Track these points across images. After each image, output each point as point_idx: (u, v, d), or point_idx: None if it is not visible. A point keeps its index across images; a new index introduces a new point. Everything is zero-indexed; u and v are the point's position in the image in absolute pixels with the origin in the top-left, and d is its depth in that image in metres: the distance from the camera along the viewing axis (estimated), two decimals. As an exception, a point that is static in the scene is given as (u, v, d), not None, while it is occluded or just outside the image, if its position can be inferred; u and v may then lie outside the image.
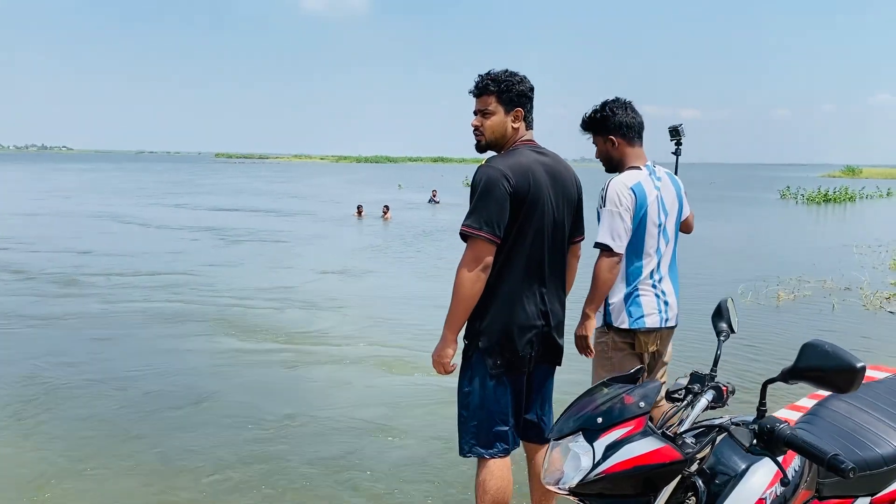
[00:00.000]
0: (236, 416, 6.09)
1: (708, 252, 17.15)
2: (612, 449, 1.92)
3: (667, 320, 3.88)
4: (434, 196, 34.76)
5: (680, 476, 1.99)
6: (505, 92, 3.21)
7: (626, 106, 3.80)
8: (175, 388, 6.80)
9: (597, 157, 3.98)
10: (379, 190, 46.90)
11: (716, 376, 2.24)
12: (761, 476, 2.00)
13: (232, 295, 11.43)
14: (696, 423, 2.06)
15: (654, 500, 1.97)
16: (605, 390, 2.09)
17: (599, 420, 1.96)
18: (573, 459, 1.96)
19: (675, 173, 4.42)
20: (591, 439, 1.95)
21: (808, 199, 39.88)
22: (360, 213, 25.73)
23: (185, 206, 31.66)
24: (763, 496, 1.99)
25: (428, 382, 6.85)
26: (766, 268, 14.40)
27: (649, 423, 1.99)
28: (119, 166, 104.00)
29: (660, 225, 3.80)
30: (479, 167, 3.21)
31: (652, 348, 3.86)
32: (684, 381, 2.25)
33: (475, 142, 3.40)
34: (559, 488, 1.99)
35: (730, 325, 2.53)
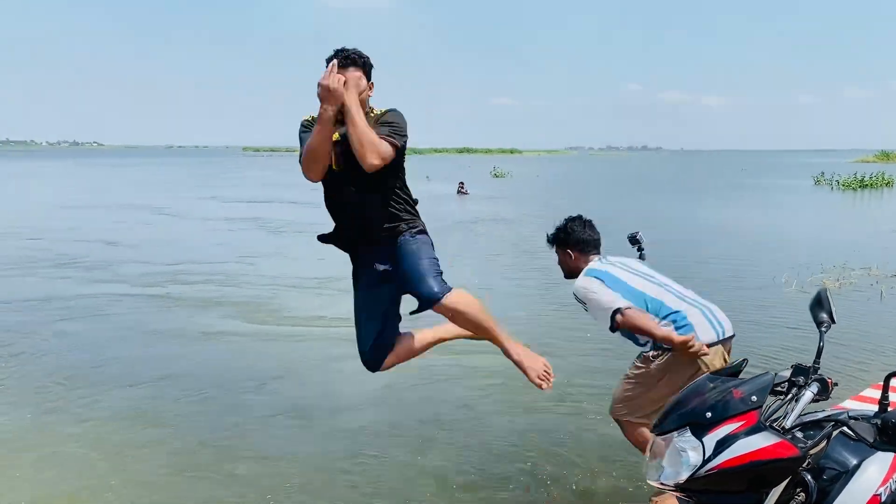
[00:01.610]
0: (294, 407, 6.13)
1: (747, 241, 16.90)
2: (723, 444, 1.88)
3: (723, 332, 3.83)
4: (462, 187, 34.67)
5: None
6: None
7: (585, 224, 4.34)
8: (236, 379, 6.87)
9: (558, 265, 4.47)
10: (409, 182, 46.82)
11: (819, 368, 2.17)
12: (875, 471, 1.93)
13: (279, 283, 11.55)
14: (803, 418, 2.00)
15: (766, 498, 1.92)
16: (711, 384, 2.03)
17: (708, 415, 1.92)
18: (679, 455, 1.92)
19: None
20: (699, 434, 1.91)
21: (843, 185, 39.02)
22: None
23: (219, 198, 31.98)
24: (878, 492, 1.92)
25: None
26: (808, 255, 14.13)
27: (762, 418, 1.94)
28: (150, 160, 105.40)
29: (640, 272, 4.08)
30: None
31: (718, 363, 3.75)
32: (787, 374, 2.19)
33: None
34: (663, 484, 1.96)
35: (830, 316, 2.45)
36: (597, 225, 4.42)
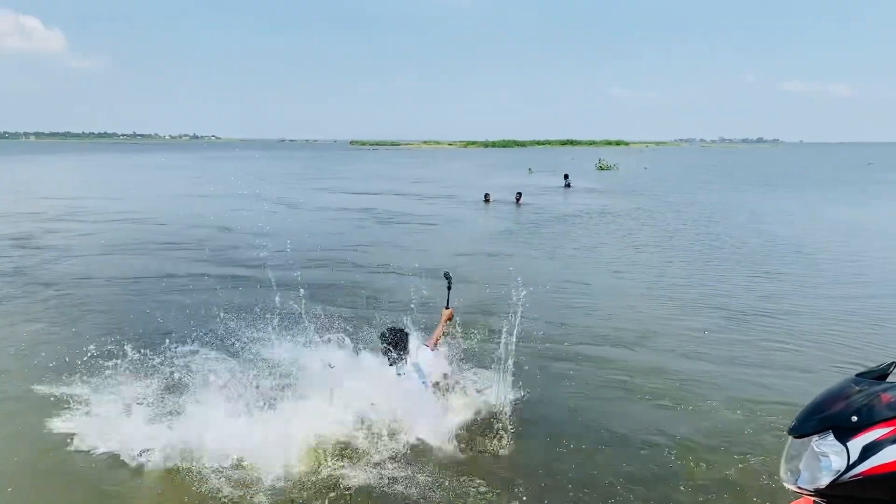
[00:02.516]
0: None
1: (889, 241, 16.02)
2: (869, 450, 1.82)
3: None
4: (567, 180, 34.40)
5: None
6: None
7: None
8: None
9: None
10: (509, 174, 46.91)
11: None
12: None
13: (388, 271, 12.01)
14: None
15: None
16: (857, 387, 1.96)
17: (854, 419, 1.86)
18: (819, 459, 1.87)
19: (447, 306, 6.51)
20: (843, 439, 1.86)
21: None
22: (487, 200, 25.79)
23: (328, 189, 33.20)
24: None
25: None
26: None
27: None
28: (264, 153, 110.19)
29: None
30: None
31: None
32: None
33: None
34: (799, 488, 1.92)
35: None
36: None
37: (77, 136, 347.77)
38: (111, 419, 5.70)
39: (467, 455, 5.40)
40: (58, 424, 5.76)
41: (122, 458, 5.20)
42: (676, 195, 30.09)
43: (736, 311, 9.72)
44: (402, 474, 5.02)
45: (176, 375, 6.10)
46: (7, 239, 16.27)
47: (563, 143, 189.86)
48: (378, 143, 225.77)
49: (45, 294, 10.75)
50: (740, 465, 5.22)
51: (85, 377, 6.66)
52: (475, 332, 8.43)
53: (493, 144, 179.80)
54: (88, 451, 5.33)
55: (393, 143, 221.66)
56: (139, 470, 5.06)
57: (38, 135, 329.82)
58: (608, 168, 53.66)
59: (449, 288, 6.49)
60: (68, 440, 5.49)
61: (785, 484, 1.97)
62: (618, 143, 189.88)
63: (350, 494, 4.77)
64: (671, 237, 16.88)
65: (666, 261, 13.69)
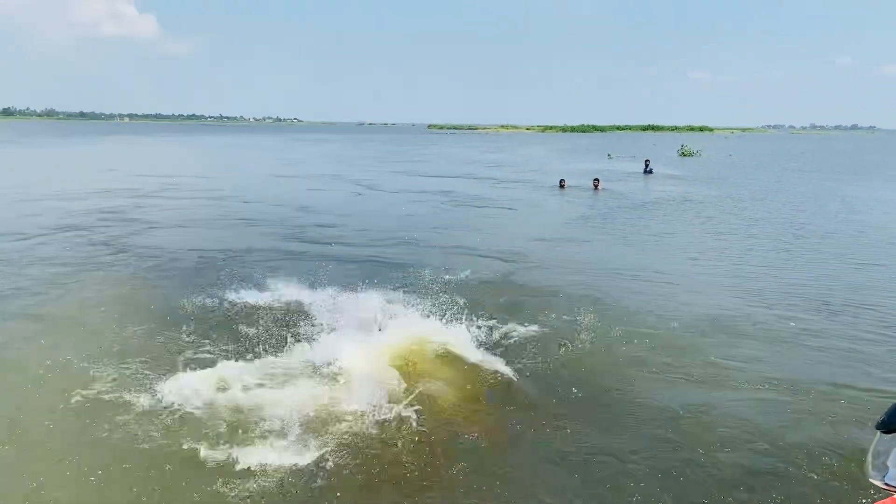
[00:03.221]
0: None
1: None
2: None
3: None
4: (647, 166, 33.67)
5: None
6: None
7: None
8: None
9: None
10: (588, 160, 46.25)
11: None
12: None
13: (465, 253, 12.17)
14: None
15: None
16: None
17: None
18: None
19: None
20: None
21: None
22: (563, 185, 25.46)
23: (407, 172, 33.59)
24: None
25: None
26: None
27: None
28: (343, 136, 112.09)
29: None
30: None
31: None
32: None
33: None
34: (887, 485, 1.89)
35: None
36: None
37: (167, 117, 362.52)
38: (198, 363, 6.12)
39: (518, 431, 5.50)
40: (145, 369, 6.19)
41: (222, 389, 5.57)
42: (762, 183, 29.05)
43: (821, 301, 9.40)
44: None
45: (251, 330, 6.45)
46: (101, 212, 17.30)
47: (644, 128, 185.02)
48: (455, 127, 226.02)
49: (132, 261, 11.50)
50: (825, 460, 5.12)
51: (171, 329, 7.10)
52: (544, 317, 8.50)
53: (572, 129, 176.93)
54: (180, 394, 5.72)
55: (470, 128, 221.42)
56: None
57: (131, 116, 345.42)
58: (691, 154, 52.16)
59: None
60: (164, 382, 5.90)
61: (871, 480, 1.93)
62: (701, 128, 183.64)
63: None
64: (754, 225, 16.38)
65: (747, 249, 13.32)
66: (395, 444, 5.23)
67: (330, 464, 4.93)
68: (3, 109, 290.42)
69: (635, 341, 7.62)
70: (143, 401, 5.85)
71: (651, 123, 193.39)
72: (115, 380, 6.31)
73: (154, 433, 5.32)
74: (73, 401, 5.86)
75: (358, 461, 4.98)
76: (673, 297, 9.65)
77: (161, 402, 5.84)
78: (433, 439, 5.33)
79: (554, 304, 9.02)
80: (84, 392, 6.01)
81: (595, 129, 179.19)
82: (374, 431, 5.39)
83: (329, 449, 5.11)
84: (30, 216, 16.40)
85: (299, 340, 7.23)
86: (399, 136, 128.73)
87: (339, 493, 4.60)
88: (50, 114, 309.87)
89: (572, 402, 6.03)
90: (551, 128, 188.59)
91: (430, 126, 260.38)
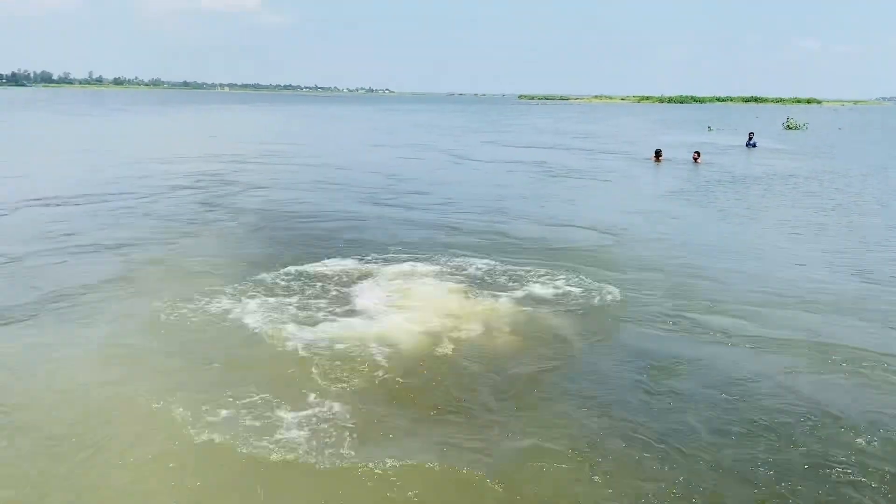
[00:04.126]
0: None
1: None
2: None
3: None
4: (751, 139, 32.12)
5: None
6: None
7: None
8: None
9: None
10: (686, 132, 44.57)
11: None
12: None
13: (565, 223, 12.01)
14: None
15: None
16: None
17: None
18: None
19: None
20: None
21: None
22: (658, 157, 24.44)
23: (497, 142, 33.36)
24: None
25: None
26: None
27: None
28: (434, 107, 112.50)
29: None
30: None
31: None
32: None
33: None
34: None
35: None
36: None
37: (265, 87, 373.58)
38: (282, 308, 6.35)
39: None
40: (235, 307, 6.43)
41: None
42: (874, 158, 27.24)
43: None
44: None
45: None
46: (201, 175, 18.06)
47: (747, 100, 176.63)
48: (546, 98, 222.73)
49: (229, 219, 12.03)
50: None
51: (263, 278, 7.36)
52: (637, 291, 8.30)
53: (670, 100, 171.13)
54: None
55: (562, 98, 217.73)
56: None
57: (231, 86, 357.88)
58: (797, 128, 49.41)
59: None
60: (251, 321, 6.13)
61: None
62: (808, 101, 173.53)
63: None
64: (862, 203, 15.39)
65: (853, 228, 12.53)
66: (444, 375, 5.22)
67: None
68: (115, 79, 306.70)
69: (731, 318, 7.30)
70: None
71: (754, 95, 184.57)
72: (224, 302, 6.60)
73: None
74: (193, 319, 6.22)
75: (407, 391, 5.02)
76: (772, 274, 9.20)
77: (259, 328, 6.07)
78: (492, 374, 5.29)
79: (649, 278, 8.78)
80: (201, 311, 6.35)
81: (694, 100, 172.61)
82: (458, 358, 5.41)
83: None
84: (140, 178, 17.29)
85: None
86: (489, 106, 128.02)
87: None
88: (156, 83, 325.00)
89: (647, 371, 5.84)
90: (647, 98, 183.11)
91: (520, 96, 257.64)
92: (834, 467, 4.53)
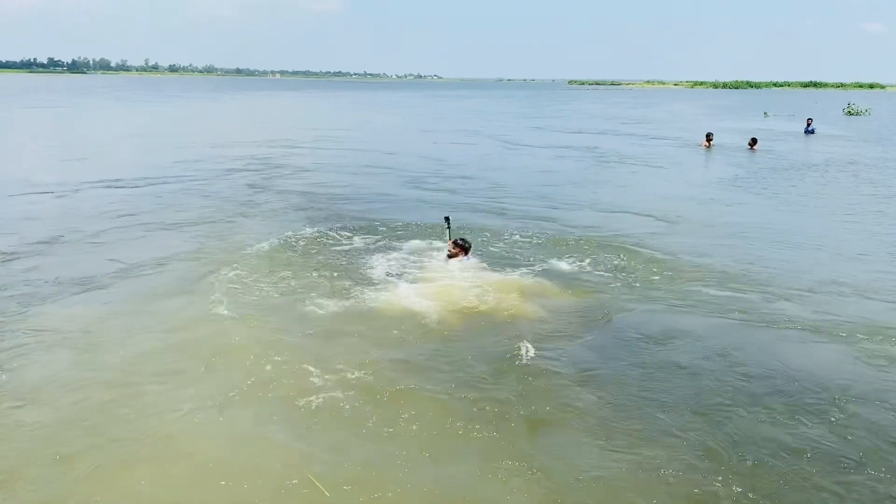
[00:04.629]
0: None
1: None
2: None
3: None
4: (809, 125, 31.17)
5: None
6: None
7: None
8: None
9: None
10: (741, 118, 43.41)
11: None
12: None
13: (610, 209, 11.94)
14: None
15: None
16: None
17: None
18: None
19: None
20: None
21: None
22: (709, 141, 23.85)
23: (548, 128, 33.12)
24: None
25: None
26: None
27: None
28: (483, 92, 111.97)
29: None
30: None
31: None
32: None
33: None
34: None
35: None
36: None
37: (315, 74, 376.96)
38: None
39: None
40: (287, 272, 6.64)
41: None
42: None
43: None
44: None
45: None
46: (253, 159, 18.54)
47: (805, 84, 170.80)
48: (597, 83, 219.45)
49: (283, 199, 12.44)
50: None
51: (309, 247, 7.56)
52: (688, 279, 8.24)
53: (724, 85, 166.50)
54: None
55: (613, 83, 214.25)
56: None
57: (282, 73, 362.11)
58: (858, 113, 47.67)
59: (448, 227, 8.68)
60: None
61: None
62: (871, 85, 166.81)
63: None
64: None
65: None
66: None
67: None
68: (170, 66, 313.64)
69: (790, 303, 7.19)
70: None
71: (813, 80, 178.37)
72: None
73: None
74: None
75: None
76: (832, 264, 9.00)
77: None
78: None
79: (702, 265, 8.69)
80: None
81: (749, 85, 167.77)
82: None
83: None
84: (196, 161, 17.78)
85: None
86: (538, 91, 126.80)
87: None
88: (210, 70, 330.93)
89: (704, 356, 5.80)
90: (701, 83, 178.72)
91: (570, 82, 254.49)
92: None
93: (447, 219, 8.81)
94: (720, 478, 4.15)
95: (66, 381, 5.31)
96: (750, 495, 3.98)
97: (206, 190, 13.75)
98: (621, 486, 4.09)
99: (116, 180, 14.55)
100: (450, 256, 8.18)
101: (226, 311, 6.69)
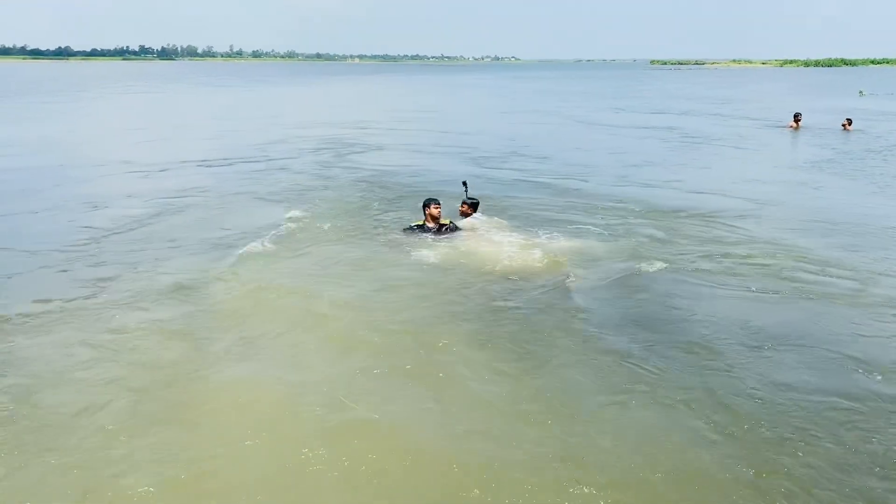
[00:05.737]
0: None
1: None
2: None
3: None
4: (909, 104, 29.39)
5: None
6: None
7: None
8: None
9: None
10: (833, 98, 41.23)
11: None
12: None
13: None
14: None
15: None
16: None
17: None
18: None
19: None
20: None
21: None
22: (797, 122, 22.68)
23: (629, 109, 32.46)
24: None
25: None
26: None
27: None
28: (562, 73, 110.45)
29: None
30: None
31: None
32: None
33: None
34: None
35: None
36: None
37: (393, 58, 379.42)
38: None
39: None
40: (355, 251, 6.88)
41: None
42: None
43: None
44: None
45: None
46: (324, 140, 19.00)
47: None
48: (680, 63, 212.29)
49: (344, 176, 13.09)
50: None
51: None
52: (775, 270, 8.06)
53: (816, 63, 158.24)
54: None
55: (697, 63, 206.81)
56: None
57: (361, 57, 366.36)
58: (967, 91, 44.61)
59: (466, 191, 9.57)
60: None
61: None
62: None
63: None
64: None
65: None
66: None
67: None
68: (253, 52, 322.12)
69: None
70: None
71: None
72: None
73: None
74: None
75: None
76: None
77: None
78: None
79: (790, 250, 8.45)
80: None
81: (844, 62, 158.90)
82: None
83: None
84: (278, 142, 18.41)
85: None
86: (618, 72, 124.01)
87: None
88: (291, 55, 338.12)
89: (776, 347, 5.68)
90: (791, 62, 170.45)
91: (652, 62, 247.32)
92: None
93: (465, 183, 9.79)
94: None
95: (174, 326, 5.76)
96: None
97: (289, 166, 14.28)
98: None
99: (203, 160, 15.31)
100: (462, 215, 9.14)
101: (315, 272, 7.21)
